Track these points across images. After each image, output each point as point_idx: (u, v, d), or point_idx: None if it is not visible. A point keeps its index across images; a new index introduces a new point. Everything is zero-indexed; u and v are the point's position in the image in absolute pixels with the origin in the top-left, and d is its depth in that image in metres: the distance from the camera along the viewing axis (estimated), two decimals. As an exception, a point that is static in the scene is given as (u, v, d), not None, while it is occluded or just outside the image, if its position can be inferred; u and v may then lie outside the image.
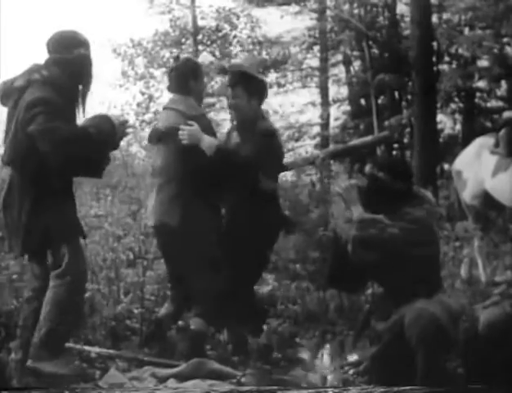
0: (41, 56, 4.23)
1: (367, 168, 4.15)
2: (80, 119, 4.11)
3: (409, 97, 13.97)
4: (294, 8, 16.57)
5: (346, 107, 16.66)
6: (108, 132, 4.01)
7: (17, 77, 4.00)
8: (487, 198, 6.01)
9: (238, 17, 17.43)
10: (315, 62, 17.21)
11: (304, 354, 4.70)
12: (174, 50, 17.27)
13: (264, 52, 17.12)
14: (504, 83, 14.33)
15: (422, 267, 3.90)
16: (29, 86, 3.90)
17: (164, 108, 4.80)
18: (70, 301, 4.05)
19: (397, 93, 14.92)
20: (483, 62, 13.97)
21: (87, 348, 4.60)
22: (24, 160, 3.92)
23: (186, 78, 4.63)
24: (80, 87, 4.07)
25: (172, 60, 13.39)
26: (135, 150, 13.04)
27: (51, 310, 4.03)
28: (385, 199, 4.03)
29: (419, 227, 3.89)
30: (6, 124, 4.04)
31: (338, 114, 16.77)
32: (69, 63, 3.98)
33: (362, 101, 15.82)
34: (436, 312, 3.82)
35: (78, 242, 4.13)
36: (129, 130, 4.26)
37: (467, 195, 5.91)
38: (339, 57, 17.07)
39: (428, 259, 3.98)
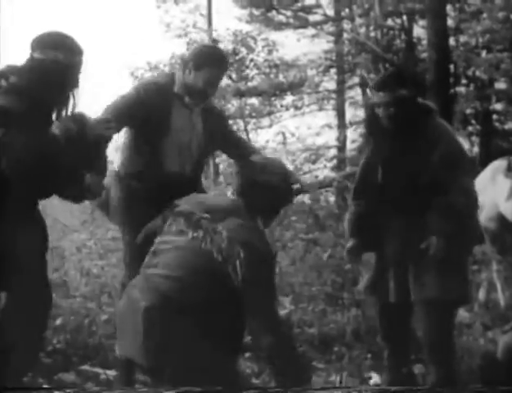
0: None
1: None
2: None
3: (426, 119, 13.95)
4: (311, 31, 16.73)
5: (363, 130, 16.65)
6: (75, 130, 3.38)
7: None
8: (502, 221, 5.99)
9: (255, 40, 17.53)
10: (331, 85, 17.31)
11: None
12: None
13: (281, 75, 17.21)
14: (521, 106, 14.33)
15: None
16: None
17: None
18: None
19: (413, 116, 14.89)
20: (501, 84, 13.97)
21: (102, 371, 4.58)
22: None
23: None
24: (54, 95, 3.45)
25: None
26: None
27: None
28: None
29: None
30: None
31: (354, 136, 16.81)
32: (39, 64, 3.38)
33: (379, 124, 15.81)
34: None
35: None
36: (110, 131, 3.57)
37: (483, 218, 5.88)
38: (356, 80, 17.12)
39: None
